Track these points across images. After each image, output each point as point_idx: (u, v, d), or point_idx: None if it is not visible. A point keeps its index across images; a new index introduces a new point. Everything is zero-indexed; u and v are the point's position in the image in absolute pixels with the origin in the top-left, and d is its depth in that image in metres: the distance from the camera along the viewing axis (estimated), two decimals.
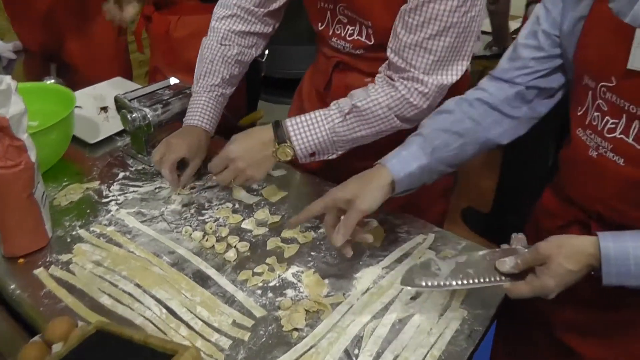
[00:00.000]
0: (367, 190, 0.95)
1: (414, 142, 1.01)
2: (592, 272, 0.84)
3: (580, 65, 0.93)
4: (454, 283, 0.89)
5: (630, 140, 0.86)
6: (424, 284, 0.89)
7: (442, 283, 0.89)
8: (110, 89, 1.65)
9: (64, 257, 1.04)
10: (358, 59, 1.22)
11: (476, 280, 0.89)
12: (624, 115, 0.85)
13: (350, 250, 0.98)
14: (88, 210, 1.17)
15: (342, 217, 0.95)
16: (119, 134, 1.45)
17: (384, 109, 1.10)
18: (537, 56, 0.99)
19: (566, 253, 0.83)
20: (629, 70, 0.82)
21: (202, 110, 1.29)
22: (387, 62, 1.12)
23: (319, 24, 1.26)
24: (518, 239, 0.91)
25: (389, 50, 1.10)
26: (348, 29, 1.19)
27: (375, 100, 1.09)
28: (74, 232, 1.11)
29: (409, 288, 0.93)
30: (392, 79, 1.10)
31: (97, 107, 1.56)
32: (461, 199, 2.86)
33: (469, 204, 2.82)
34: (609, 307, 0.99)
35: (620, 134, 0.87)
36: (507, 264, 0.87)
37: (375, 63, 1.18)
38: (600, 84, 0.88)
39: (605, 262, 0.82)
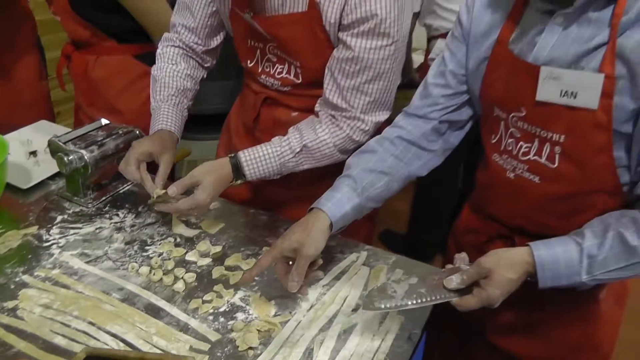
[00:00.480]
0: (310, 237, 1.03)
1: (344, 183, 1.11)
2: (529, 278, 0.97)
3: (488, 100, 1.07)
4: (409, 303, 0.97)
5: (543, 161, 1.00)
6: (383, 306, 0.97)
7: (399, 304, 0.97)
8: (37, 133, 1.65)
9: (10, 304, 1.05)
10: (285, 95, 1.33)
11: (428, 299, 0.98)
12: (536, 140, 0.99)
13: (307, 290, 1.06)
14: (30, 256, 1.19)
15: (294, 265, 1.02)
16: (52, 177, 1.46)
17: (331, 147, 1.23)
18: (445, 93, 1.13)
19: (505, 264, 0.95)
20: (538, 101, 0.96)
21: (163, 117, 1.33)
22: (322, 100, 1.24)
23: (248, 61, 1.36)
24: (461, 258, 1.02)
25: (328, 92, 1.22)
26: (277, 67, 1.30)
27: (322, 139, 1.21)
28: (17, 279, 1.12)
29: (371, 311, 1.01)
30: (336, 118, 1.22)
31: (25, 152, 1.56)
32: (379, 223, 3.00)
33: (386, 227, 2.96)
34: (534, 307, 1.12)
35: (534, 155, 1.01)
36: (454, 281, 0.97)
37: (302, 99, 1.29)
38: (512, 115, 1.02)
39: (540, 268, 0.94)
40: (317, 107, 1.27)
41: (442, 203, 2.63)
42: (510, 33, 1.01)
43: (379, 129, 1.24)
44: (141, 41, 1.75)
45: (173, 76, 1.39)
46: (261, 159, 1.21)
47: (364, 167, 1.13)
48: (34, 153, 1.56)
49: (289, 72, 1.29)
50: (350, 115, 1.22)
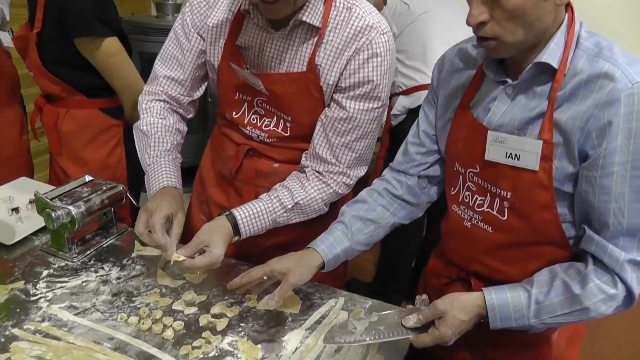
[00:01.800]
0: (299, 267, 1.16)
1: (337, 229, 1.24)
2: (482, 320, 1.06)
3: (450, 156, 1.19)
4: (367, 338, 1.07)
5: (495, 213, 1.11)
6: (342, 340, 1.06)
7: (357, 339, 1.07)
8: (18, 189, 1.68)
9: (2, 357, 1.08)
10: (269, 147, 1.41)
11: (386, 335, 1.07)
12: (488, 194, 1.11)
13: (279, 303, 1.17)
14: (18, 310, 1.21)
15: (277, 287, 1.15)
16: (35, 233, 1.49)
17: (319, 203, 1.33)
18: (420, 151, 1.26)
19: (458, 306, 1.05)
20: (487, 160, 1.08)
21: (165, 172, 1.33)
22: (309, 154, 1.34)
23: (234, 113, 1.42)
24: (421, 300, 1.12)
25: (318, 147, 1.32)
26: (265, 120, 1.39)
27: (312, 196, 1.31)
28: (6, 332, 1.14)
29: (331, 345, 1.10)
30: (322, 175, 1.33)
31: (7, 208, 1.60)
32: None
33: (352, 276, 3.04)
34: (490, 347, 1.22)
35: (487, 208, 1.12)
36: (411, 319, 1.07)
37: (285, 151, 1.39)
38: (468, 170, 1.13)
39: (490, 311, 1.05)
40: (303, 162, 1.36)
41: (407, 253, 2.73)
42: (471, 98, 1.14)
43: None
44: (108, 95, 1.87)
45: (165, 131, 1.41)
46: (254, 216, 1.28)
47: (355, 215, 1.25)
48: (16, 209, 1.60)
49: (277, 126, 1.38)
50: (336, 170, 1.32)
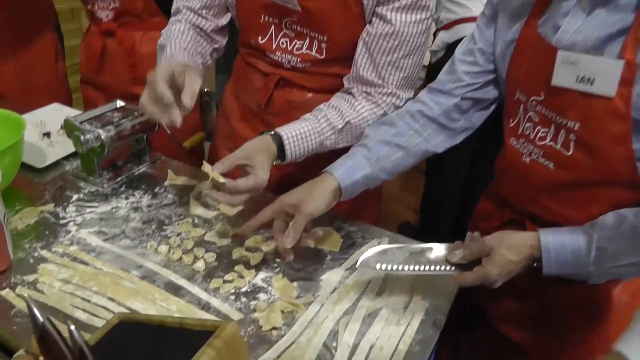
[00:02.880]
0: (313, 196, 1.05)
1: (358, 152, 1.12)
2: (535, 264, 0.96)
3: (512, 83, 1.06)
4: (406, 268, 0.98)
5: (558, 147, 0.98)
6: (378, 267, 0.98)
7: (395, 268, 0.98)
8: (50, 114, 1.63)
9: (30, 278, 1.04)
10: (302, 74, 1.30)
11: (427, 268, 0.99)
12: (552, 125, 0.98)
13: (292, 254, 1.07)
14: (47, 232, 1.17)
15: (291, 222, 1.04)
16: (66, 158, 1.44)
17: (370, 124, 1.21)
18: (472, 71, 1.13)
19: (508, 244, 0.95)
20: (554, 86, 0.95)
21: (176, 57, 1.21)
22: (352, 77, 1.22)
23: (259, 38, 1.30)
24: (472, 237, 1.02)
25: (361, 68, 1.20)
26: (295, 43, 1.27)
27: (363, 116, 1.20)
28: (35, 254, 1.10)
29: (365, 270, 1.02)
30: (372, 95, 1.21)
31: (39, 133, 1.55)
32: (395, 215, 3.05)
33: (403, 220, 3.00)
34: (541, 299, 1.11)
35: (549, 141, 1.00)
36: (457, 255, 0.98)
37: (321, 78, 1.27)
38: (531, 98, 1.00)
39: (545, 252, 0.93)
40: (346, 84, 1.25)
41: (453, 194, 2.64)
42: (539, 15, 1.00)
43: None
44: None
45: (188, 31, 1.30)
46: (301, 137, 1.16)
47: (380, 139, 1.13)
48: (47, 134, 1.55)
49: (310, 48, 1.26)
50: (385, 91, 1.20)
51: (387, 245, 1.07)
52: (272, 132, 1.15)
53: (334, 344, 0.93)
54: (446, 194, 2.62)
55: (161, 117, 1.07)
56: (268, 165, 1.09)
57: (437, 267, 0.99)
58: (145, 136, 1.46)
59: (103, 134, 1.29)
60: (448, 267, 0.99)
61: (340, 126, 1.20)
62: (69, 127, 1.32)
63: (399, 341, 0.94)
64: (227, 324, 0.65)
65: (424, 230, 2.77)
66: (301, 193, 1.06)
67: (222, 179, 1.05)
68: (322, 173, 1.10)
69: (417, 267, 0.99)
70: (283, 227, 1.07)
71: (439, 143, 1.18)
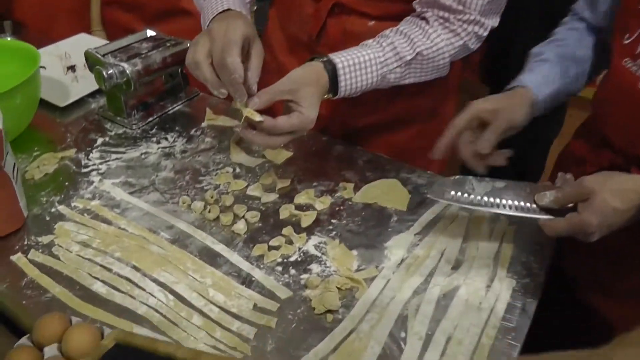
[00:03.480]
0: (512, 104, 0.91)
1: (542, 67, 0.97)
2: None
3: None
4: (485, 200, 0.82)
5: None
6: (452, 196, 0.83)
7: (473, 201, 0.82)
8: (76, 46, 1.45)
9: (45, 239, 0.89)
10: None
11: (510, 207, 0.82)
12: None
13: (483, 166, 0.91)
14: (67, 183, 1.02)
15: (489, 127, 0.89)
16: (92, 95, 1.28)
17: (445, 57, 0.99)
18: None
19: (613, 188, 0.75)
20: None
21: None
22: (421, 2, 0.99)
23: None
24: (565, 179, 0.83)
25: None
26: None
27: (438, 47, 0.97)
28: (52, 210, 0.95)
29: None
30: (450, 22, 0.97)
31: (63, 66, 1.38)
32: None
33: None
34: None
35: None
36: (547, 197, 0.80)
37: (384, 3, 1.04)
38: None
39: None
40: (419, 8, 1.01)
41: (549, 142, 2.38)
42: None
43: None
44: None
45: None
46: (360, 66, 0.92)
47: (559, 53, 0.98)
48: (72, 68, 1.38)
49: None
50: (466, 18, 0.96)
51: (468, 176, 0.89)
52: (325, 59, 0.92)
53: (402, 334, 0.74)
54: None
55: (216, 87, 0.87)
56: (317, 101, 0.89)
57: (523, 208, 0.81)
58: (180, 69, 1.27)
59: (128, 68, 1.11)
60: (535, 210, 0.81)
61: (409, 57, 0.96)
62: (91, 61, 1.15)
63: (482, 333, 0.75)
64: None
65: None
66: (499, 100, 0.92)
67: (258, 117, 0.85)
68: (512, 87, 0.95)
69: (498, 204, 0.82)
70: (471, 138, 0.91)
71: (605, 61, 0.98)
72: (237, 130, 0.90)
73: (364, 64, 0.93)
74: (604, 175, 0.77)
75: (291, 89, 0.87)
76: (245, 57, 0.89)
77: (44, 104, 1.20)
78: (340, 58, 0.92)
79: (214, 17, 0.95)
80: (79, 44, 1.45)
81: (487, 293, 0.80)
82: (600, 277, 0.98)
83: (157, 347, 0.50)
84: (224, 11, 0.96)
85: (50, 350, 0.67)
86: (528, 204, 0.82)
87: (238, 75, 0.84)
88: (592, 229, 0.75)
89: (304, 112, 0.86)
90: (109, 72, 1.10)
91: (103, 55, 1.13)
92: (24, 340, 0.69)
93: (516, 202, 0.82)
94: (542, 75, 0.94)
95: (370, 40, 0.97)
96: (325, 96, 0.93)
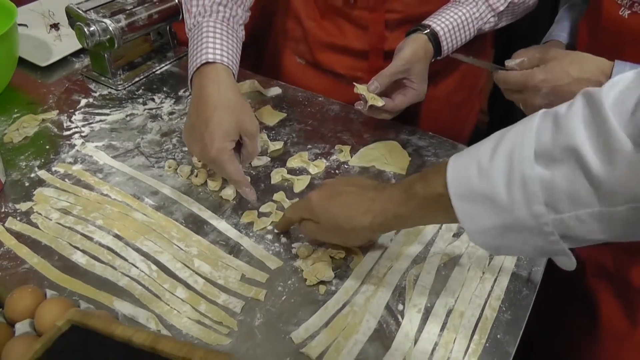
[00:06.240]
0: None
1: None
2: None
3: None
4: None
5: None
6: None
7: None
8: (61, 3, 1.37)
9: (23, 207, 0.84)
10: None
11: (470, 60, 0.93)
12: None
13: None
14: (47, 146, 0.96)
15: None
16: (76, 54, 1.21)
17: None
18: None
19: (573, 58, 0.78)
20: None
21: (211, 41, 0.83)
22: None
23: None
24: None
25: None
26: None
27: None
28: (32, 175, 0.90)
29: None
30: None
31: (46, 24, 1.31)
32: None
33: None
34: None
35: None
36: (514, 60, 0.84)
37: None
38: None
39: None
40: None
41: None
42: None
43: None
44: None
45: None
46: (459, 27, 0.95)
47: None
48: (55, 26, 1.31)
49: None
50: None
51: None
52: (427, 31, 0.94)
53: (400, 307, 0.70)
54: None
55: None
56: (426, 74, 0.95)
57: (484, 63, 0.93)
58: (168, 27, 1.20)
59: (111, 25, 1.04)
60: (497, 67, 0.86)
61: (502, 8, 0.98)
62: (72, 17, 1.08)
63: (485, 305, 0.70)
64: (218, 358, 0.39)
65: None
66: (538, 48, 0.93)
67: (380, 102, 0.91)
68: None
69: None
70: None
71: None
72: (362, 110, 0.94)
73: (462, 24, 0.95)
74: (572, 53, 0.80)
75: (405, 69, 0.92)
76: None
77: (25, 63, 1.15)
78: (440, 25, 0.94)
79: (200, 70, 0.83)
80: (64, 1, 1.38)
81: (490, 262, 0.75)
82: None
83: (114, 330, 0.45)
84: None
85: (22, 326, 0.62)
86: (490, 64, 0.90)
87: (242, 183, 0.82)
88: (536, 81, 0.78)
89: (417, 87, 0.93)
90: (90, 29, 1.03)
91: (85, 11, 1.06)
92: None
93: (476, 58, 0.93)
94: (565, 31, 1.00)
95: None
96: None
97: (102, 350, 0.44)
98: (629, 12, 0.81)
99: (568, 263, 0.54)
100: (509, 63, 0.84)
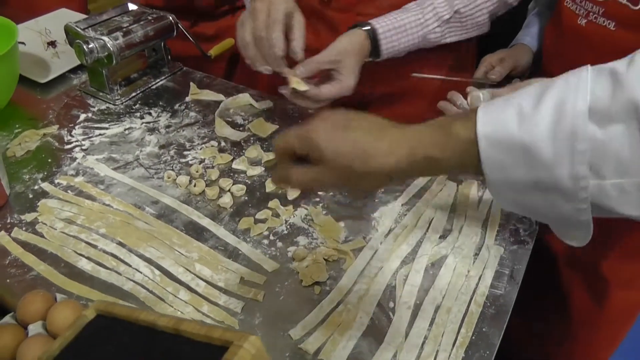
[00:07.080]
0: (520, 52, 1.14)
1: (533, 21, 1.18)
2: None
3: None
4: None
5: (624, 1, 0.81)
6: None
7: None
8: (56, 21, 1.42)
9: (28, 217, 0.88)
10: None
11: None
12: None
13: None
14: (49, 160, 1.00)
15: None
16: (73, 71, 1.25)
17: (485, 14, 1.00)
18: None
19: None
20: None
21: None
22: None
23: None
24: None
25: None
26: None
27: (476, 4, 0.98)
28: (35, 187, 0.94)
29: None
30: None
31: (43, 42, 1.35)
32: None
33: None
34: None
35: None
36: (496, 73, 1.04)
37: None
38: None
39: None
40: None
41: None
42: None
43: None
44: None
45: None
46: (401, 30, 0.95)
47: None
48: (52, 43, 1.35)
49: None
50: None
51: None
52: (367, 27, 0.95)
53: (391, 304, 0.74)
54: None
55: (260, 63, 0.91)
56: (357, 69, 0.93)
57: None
58: (162, 43, 1.25)
59: (110, 42, 1.09)
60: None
61: (447, 16, 0.97)
62: (71, 35, 1.12)
63: (471, 300, 0.75)
64: (244, 339, 0.43)
65: None
66: (504, 51, 1.13)
67: (303, 87, 0.90)
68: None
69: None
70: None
71: None
72: (285, 93, 0.93)
73: (404, 27, 0.95)
74: None
75: (335, 59, 0.91)
76: (288, 30, 0.90)
77: (24, 80, 1.18)
78: (381, 24, 0.95)
79: None
80: (59, 19, 1.42)
81: (475, 261, 0.80)
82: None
83: (139, 316, 0.49)
84: None
85: (35, 327, 0.66)
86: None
87: (277, 49, 0.87)
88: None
89: (344, 80, 0.91)
90: (89, 46, 1.07)
91: (83, 29, 1.10)
92: (7, 318, 0.69)
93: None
94: (535, 30, 1.13)
95: (412, 3, 0.99)
96: (368, 59, 0.97)
97: (128, 334, 0.48)
98: (586, 20, 0.88)
99: (581, 238, 0.49)
100: (492, 75, 0.91)
